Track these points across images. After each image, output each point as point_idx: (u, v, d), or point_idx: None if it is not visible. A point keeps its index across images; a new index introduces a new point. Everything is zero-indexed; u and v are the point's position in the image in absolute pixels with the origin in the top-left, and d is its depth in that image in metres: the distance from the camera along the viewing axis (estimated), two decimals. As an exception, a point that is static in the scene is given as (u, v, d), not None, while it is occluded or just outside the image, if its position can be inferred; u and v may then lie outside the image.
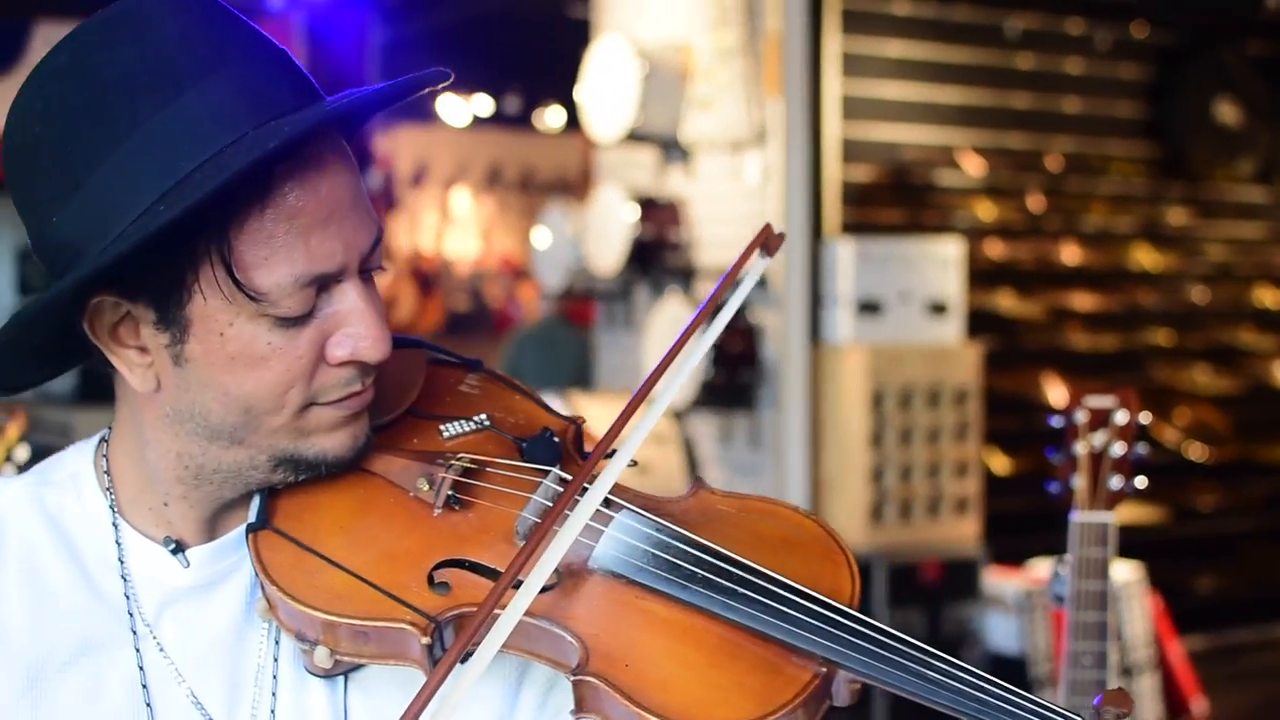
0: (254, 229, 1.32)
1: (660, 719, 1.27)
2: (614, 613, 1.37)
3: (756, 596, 1.35)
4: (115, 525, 1.47)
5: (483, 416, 1.56)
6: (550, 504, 1.43)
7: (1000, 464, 6.92)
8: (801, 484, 5.59)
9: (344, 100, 1.37)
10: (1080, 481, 2.47)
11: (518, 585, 1.31)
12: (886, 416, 5.56)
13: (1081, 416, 2.49)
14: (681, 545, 1.40)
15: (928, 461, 5.64)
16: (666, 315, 5.73)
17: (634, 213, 5.77)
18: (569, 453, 1.53)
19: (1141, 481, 2.46)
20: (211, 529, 1.48)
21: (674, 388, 1.40)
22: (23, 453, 3.19)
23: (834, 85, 6.22)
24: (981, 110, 7.02)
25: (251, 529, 1.44)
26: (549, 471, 1.47)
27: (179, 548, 1.46)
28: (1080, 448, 2.48)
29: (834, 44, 6.21)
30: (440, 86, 1.43)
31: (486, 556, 1.41)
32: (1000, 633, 5.52)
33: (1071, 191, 7.42)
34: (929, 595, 5.47)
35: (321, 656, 1.37)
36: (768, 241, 1.47)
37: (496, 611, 1.30)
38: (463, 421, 1.55)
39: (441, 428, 1.54)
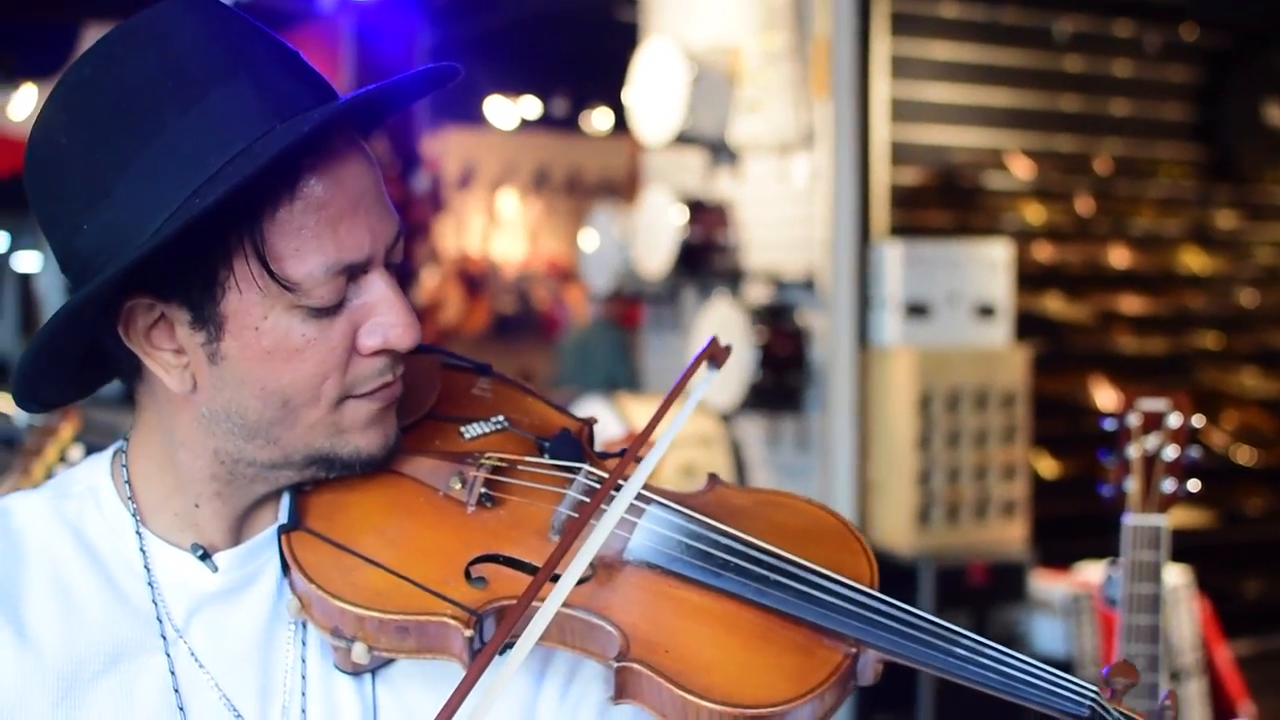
0: (285, 220, 1.35)
1: (705, 700, 1.30)
2: (651, 601, 1.41)
3: (788, 582, 1.40)
4: (139, 534, 1.49)
5: (501, 418, 1.60)
6: (587, 499, 1.47)
7: (1048, 467, 6.91)
8: (848, 486, 5.60)
9: (363, 91, 1.40)
10: (1133, 485, 2.47)
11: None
12: (934, 419, 5.56)
13: (1134, 419, 2.49)
14: (714, 535, 1.44)
15: (975, 464, 5.63)
16: (714, 317, 5.74)
17: (682, 215, 5.78)
18: (587, 451, 1.57)
19: (1194, 485, 2.46)
20: (239, 532, 1.51)
21: (627, 497, 1.42)
22: (76, 453, 3.16)
23: (882, 88, 6.23)
24: (1030, 113, 7.01)
25: (284, 530, 1.46)
26: (579, 468, 1.51)
27: (206, 554, 1.49)
28: (1133, 451, 2.48)
29: (882, 47, 6.21)
30: (461, 88, 1.46)
31: (520, 551, 1.45)
32: (1047, 636, 5.51)
33: (1120, 194, 7.39)
34: (976, 598, 5.47)
35: (359, 653, 1.39)
36: (715, 354, 1.49)
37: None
38: (482, 423, 1.58)
39: (462, 429, 1.57)
